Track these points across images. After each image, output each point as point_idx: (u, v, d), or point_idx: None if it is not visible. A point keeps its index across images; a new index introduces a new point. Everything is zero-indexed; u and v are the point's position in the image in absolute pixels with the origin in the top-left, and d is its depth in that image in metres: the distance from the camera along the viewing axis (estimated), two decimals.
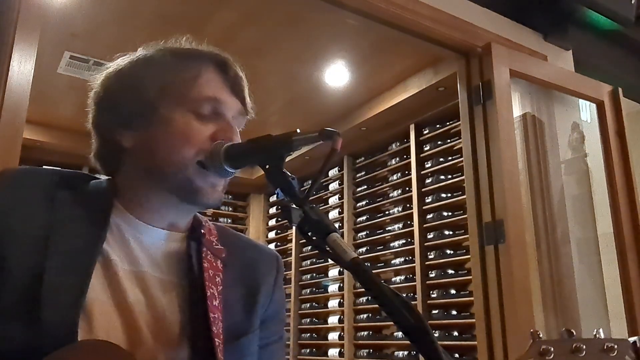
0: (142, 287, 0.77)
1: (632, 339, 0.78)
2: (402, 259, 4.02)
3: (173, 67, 0.83)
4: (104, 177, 0.87)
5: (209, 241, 0.85)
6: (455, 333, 3.48)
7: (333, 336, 4.54)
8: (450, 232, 3.66)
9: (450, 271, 3.60)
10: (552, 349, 0.72)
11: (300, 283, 5.10)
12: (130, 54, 0.86)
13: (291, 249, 5.26)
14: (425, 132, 3.99)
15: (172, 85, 0.81)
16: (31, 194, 0.78)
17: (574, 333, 0.75)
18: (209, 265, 0.82)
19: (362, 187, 4.60)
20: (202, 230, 0.85)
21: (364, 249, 4.37)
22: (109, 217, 0.79)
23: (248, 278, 0.87)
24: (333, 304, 4.65)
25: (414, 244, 3.88)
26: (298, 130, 0.73)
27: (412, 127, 4.04)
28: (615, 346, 0.76)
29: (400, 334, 3.73)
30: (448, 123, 3.76)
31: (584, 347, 0.74)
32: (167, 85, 0.81)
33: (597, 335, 0.77)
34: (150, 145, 0.80)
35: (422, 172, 3.95)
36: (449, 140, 3.78)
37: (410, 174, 4.02)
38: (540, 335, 0.73)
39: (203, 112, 0.81)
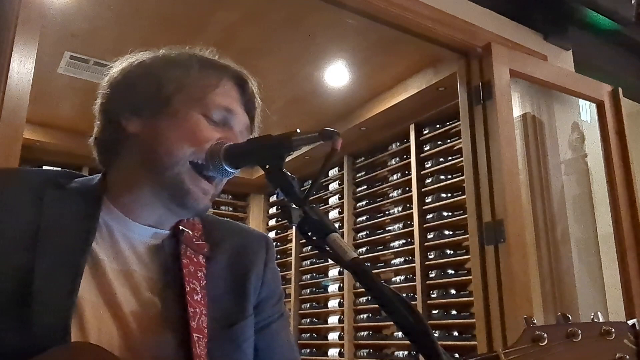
0: (131, 286, 0.77)
1: (631, 322, 0.76)
2: (402, 259, 4.02)
3: (195, 71, 0.85)
4: (91, 175, 0.87)
5: (189, 238, 0.85)
6: (455, 333, 3.48)
7: (333, 336, 4.54)
8: (450, 232, 3.66)
9: (450, 271, 3.60)
10: (546, 335, 0.70)
11: (300, 283, 5.10)
12: (153, 50, 0.88)
13: (291, 249, 5.25)
14: (425, 132, 3.98)
15: (190, 87, 0.83)
16: (19, 194, 0.77)
17: (570, 318, 0.73)
18: (189, 261, 0.82)
19: (362, 187, 4.60)
20: (182, 227, 0.85)
21: (364, 249, 4.36)
22: (98, 216, 0.79)
23: (237, 265, 0.87)
24: (333, 304, 4.65)
25: (414, 244, 3.87)
26: (298, 130, 0.73)
27: (412, 127, 4.04)
28: (613, 330, 0.74)
29: (400, 334, 3.73)
30: (448, 123, 3.76)
31: (580, 331, 0.72)
32: (185, 85, 0.83)
33: (595, 319, 0.75)
34: (154, 134, 0.81)
35: (422, 172, 3.95)
36: (449, 140, 3.77)
37: (410, 174, 4.02)
38: (534, 321, 0.72)
39: (214, 118, 0.82)
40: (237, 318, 0.83)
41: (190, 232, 0.86)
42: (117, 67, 0.86)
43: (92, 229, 0.77)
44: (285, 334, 0.92)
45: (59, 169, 0.87)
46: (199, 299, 0.79)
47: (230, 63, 0.89)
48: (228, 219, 0.98)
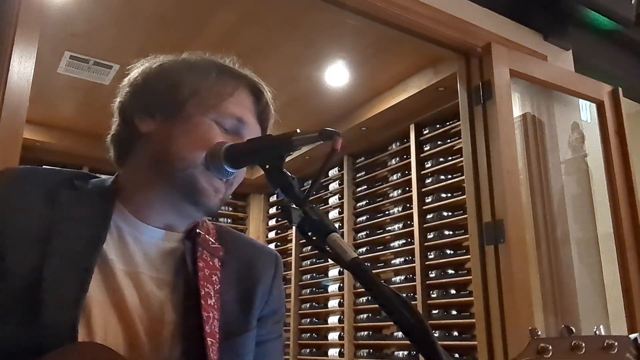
0: (138, 287, 0.77)
1: (632, 336, 0.77)
2: (402, 259, 4.02)
3: (212, 78, 0.85)
4: (105, 177, 0.87)
5: (205, 240, 0.85)
6: (455, 333, 3.48)
7: (333, 336, 4.54)
8: (450, 232, 3.66)
9: (450, 271, 3.60)
10: (551, 347, 0.71)
11: (300, 283, 5.10)
12: (175, 55, 0.89)
13: (291, 249, 5.25)
14: (425, 132, 3.99)
15: (205, 93, 0.83)
16: (32, 193, 0.78)
17: (574, 330, 0.74)
18: (205, 264, 0.82)
19: (362, 187, 4.60)
20: (198, 230, 0.86)
21: (364, 249, 4.37)
22: (110, 218, 0.79)
23: (246, 277, 0.87)
24: (333, 304, 4.65)
25: (414, 244, 3.87)
26: (298, 130, 0.73)
27: (412, 127, 4.04)
28: (616, 343, 0.75)
29: (400, 334, 3.73)
30: (448, 123, 3.76)
31: (584, 344, 0.73)
32: (200, 90, 0.83)
33: (598, 332, 0.76)
34: (166, 137, 0.82)
35: (422, 172, 3.95)
36: (449, 140, 3.77)
37: (410, 174, 4.02)
38: (539, 333, 0.72)
39: (225, 125, 0.83)
40: (243, 329, 0.83)
41: (206, 236, 0.86)
42: (139, 68, 0.87)
43: (103, 231, 0.77)
44: (278, 355, 0.91)
45: (73, 170, 0.87)
46: (212, 303, 0.79)
47: (248, 73, 0.89)
48: (240, 232, 0.98)
